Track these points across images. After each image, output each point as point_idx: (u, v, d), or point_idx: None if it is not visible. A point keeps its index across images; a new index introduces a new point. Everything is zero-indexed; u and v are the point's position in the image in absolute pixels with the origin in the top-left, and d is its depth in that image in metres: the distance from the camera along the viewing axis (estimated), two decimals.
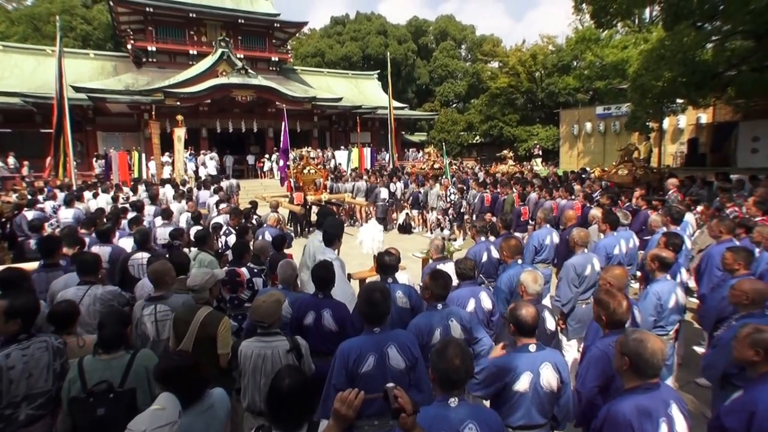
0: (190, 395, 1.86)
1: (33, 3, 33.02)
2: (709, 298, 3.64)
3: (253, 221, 7.08)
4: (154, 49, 20.88)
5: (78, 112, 17.22)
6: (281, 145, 10.92)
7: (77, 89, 16.51)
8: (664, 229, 4.84)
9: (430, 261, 4.04)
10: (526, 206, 8.32)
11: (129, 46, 21.09)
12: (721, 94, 11.16)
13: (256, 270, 3.87)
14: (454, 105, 40.15)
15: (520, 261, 3.78)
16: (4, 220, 6.89)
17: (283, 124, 10.82)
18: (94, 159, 17.72)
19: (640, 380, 1.84)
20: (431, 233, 10.58)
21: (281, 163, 11.21)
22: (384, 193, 11.48)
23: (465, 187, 10.75)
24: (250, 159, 20.91)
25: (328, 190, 12.07)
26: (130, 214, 6.37)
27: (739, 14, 8.71)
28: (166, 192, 10.85)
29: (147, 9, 19.85)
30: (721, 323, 3.12)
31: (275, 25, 23.36)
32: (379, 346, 2.25)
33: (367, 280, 4.86)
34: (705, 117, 16.03)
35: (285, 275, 3.32)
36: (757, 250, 4.05)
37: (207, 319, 2.68)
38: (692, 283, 4.77)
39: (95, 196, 10.04)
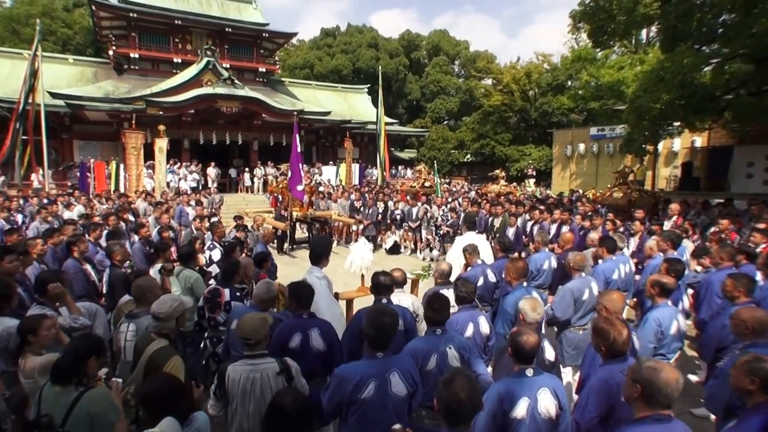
0: (177, 418, 1.84)
1: (12, 4, 32.04)
2: (710, 326, 3.60)
3: (248, 239, 6.78)
4: (136, 56, 20.24)
5: (54, 118, 16.52)
6: (292, 158, 10.26)
7: (54, 95, 15.83)
8: (662, 254, 4.79)
9: (435, 284, 3.91)
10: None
11: (110, 53, 20.44)
12: (718, 118, 10.98)
13: (238, 294, 3.65)
14: (446, 122, 39.95)
15: (525, 284, 3.72)
16: None
17: (294, 136, 10.20)
18: (56, 169, 16.90)
19: (651, 410, 1.78)
20: (420, 254, 10.29)
21: (301, 173, 10.49)
22: (374, 212, 11.11)
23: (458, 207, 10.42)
24: (233, 172, 20.17)
25: (314, 207, 11.54)
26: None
27: (739, 38, 8.61)
28: (138, 205, 10.57)
29: (130, 14, 19.29)
30: (722, 352, 3.10)
31: (264, 35, 22.96)
32: (382, 372, 2.19)
33: (355, 301, 4.89)
34: (700, 140, 15.97)
35: (262, 295, 3.06)
36: (759, 276, 4.03)
37: (155, 355, 2.48)
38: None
39: (68, 206, 9.71)
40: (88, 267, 4.55)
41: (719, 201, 9.88)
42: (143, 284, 3.04)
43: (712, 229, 6.87)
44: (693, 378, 4.35)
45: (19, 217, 8.55)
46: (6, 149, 12.32)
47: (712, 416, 3.17)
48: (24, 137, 12.53)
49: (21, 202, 10.10)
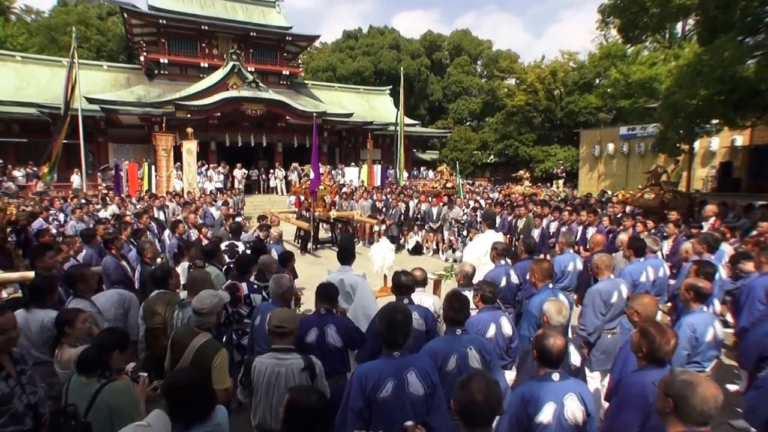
0: (197, 412, 1.84)
1: (50, 14, 33.81)
2: (751, 333, 3.45)
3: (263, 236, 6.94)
4: (166, 61, 20.95)
5: (90, 123, 17.34)
6: (312, 158, 10.50)
7: (90, 100, 16.60)
8: (697, 257, 4.58)
9: (457, 285, 3.89)
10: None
11: (142, 58, 21.19)
12: (762, 114, 10.30)
13: (255, 286, 3.80)
14: (468, 123, 39.44)
15: (551, 285, 3.64)
16: (19, 227, 6.93)
17: (315, 138, 10.39)
18: (100, 172, 17.69)
19: (685, 426, 1.67)
20: (442, 255, 10.23)
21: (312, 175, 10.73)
22: (396, 212, 11.08)
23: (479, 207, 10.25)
24: (254, 174, 20.50)
25: (336, 207, 11.62)
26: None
27: None
28: (170, 205, 10.96)
29: (160, 21, 19.99)
30: (764, 362, 2.99)
31: (287, 38, 23.33)
32: (399, 371, 2.16)
33: (378, 300, 4.83)
34: (741, 139, 15.02)
35: (275, 289, 3.19)
36: None
37: (202, 348, 2.52)
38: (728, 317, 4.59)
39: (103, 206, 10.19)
40: (124, 263, 4.79)
41: (762, 203, 9.30)
42: (197, 276, 3.31)
43: (753, 233, 6.51)
44: (732, 387, 4.18)
45: (61, 216, 9.14)
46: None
47: (753, 429, 3.05)
48: (64, 141, 13.23)
49: (61, 202, 10.67)
